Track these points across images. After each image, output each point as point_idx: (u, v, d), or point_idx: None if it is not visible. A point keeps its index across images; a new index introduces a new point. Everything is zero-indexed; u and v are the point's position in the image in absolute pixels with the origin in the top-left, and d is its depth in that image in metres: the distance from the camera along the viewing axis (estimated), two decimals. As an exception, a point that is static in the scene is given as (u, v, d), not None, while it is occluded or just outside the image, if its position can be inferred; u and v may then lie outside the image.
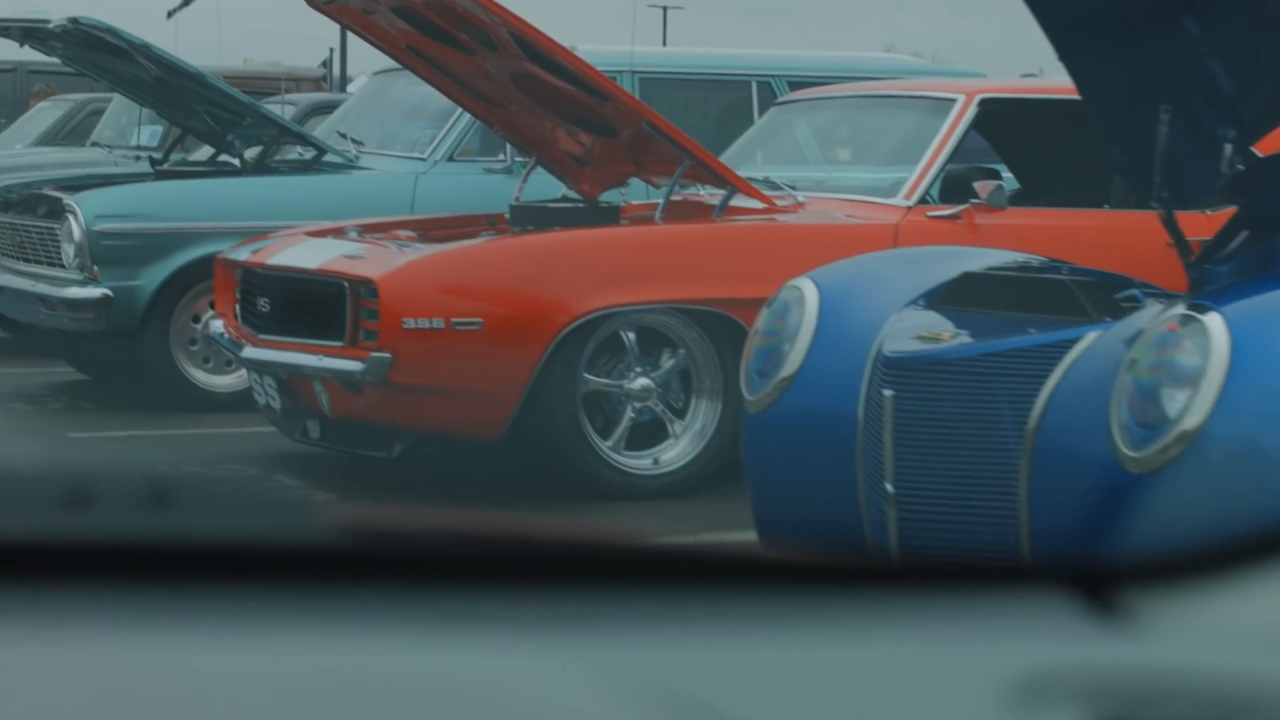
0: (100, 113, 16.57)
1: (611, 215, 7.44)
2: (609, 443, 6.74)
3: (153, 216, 8.89)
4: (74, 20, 9.19)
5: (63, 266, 8.99)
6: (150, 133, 14.39)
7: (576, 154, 7.84)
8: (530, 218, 7.49)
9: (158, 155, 14.00)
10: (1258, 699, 1.08)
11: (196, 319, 9.02)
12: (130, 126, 14.99)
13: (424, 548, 1.12)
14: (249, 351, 7.16)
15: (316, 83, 14.87)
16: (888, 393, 4.26)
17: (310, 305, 6.89)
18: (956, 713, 1.05)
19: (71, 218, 8.81)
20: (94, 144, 14.75)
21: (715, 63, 9.93)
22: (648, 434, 6.85)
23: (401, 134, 9.95)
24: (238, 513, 1.10)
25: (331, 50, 22.83)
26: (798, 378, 4.67)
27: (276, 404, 7.10)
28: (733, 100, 9.92)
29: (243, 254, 7.51)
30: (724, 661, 1.06)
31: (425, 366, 6.47)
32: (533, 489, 6.84)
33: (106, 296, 8.77)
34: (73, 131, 16.56)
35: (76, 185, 9.81)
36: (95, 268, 8.78)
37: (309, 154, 9.86)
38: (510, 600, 1.07)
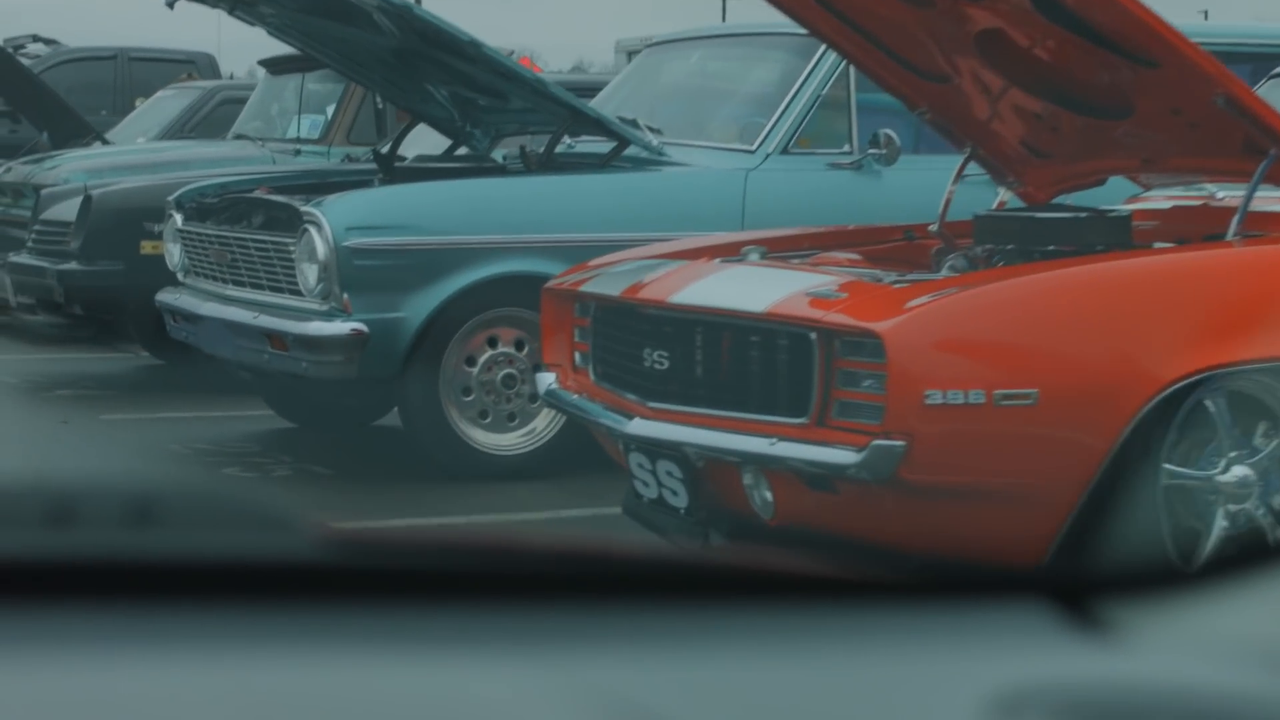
0: (235, 101, 14.58)
1: (1123, 229, 5.31)
2: (1198, 566, 4.60)
3: (419, 228, 6.78)
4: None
5: (297, 293, 6.90)
6: (311, 123, 12.33)
7: (1033, 143, 5.71)
8: (1007, 232, 5.37)
9: (312, 148, 11.95)
10: (1239, 713, 1.06)
11: (471, 361, 6.92)
12: (282, 116, 12.94)
13: (408, 562, 1.10)
14: (639, 426, 5.02)
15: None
16: None
17: (746, 364, 4.77)
18: None
19: (314, 230, 6.70)
20: (238, 136, 12.67)
21: (1242, 34, 7.71)
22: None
23: (707, 118, 7.84)
24: (221, 528, 1.05)
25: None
26: None
27: (681, 500, 4.99)
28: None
29: (605, 283, 5.39)
30: (697, 676, 1.04)
31: (953, 459, 4.35)
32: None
33: (360, 333, 6.68)
34: (202, 122, 14.51)
35: (296, 187, 7.74)
36: (346, 296, 6.68)
37: (574, 145, 7.75)
38: (496, 616, 1.06)
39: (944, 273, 5.12)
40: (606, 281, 5.40)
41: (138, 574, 1.01)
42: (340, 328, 6.69)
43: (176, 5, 7.85)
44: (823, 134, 7.44)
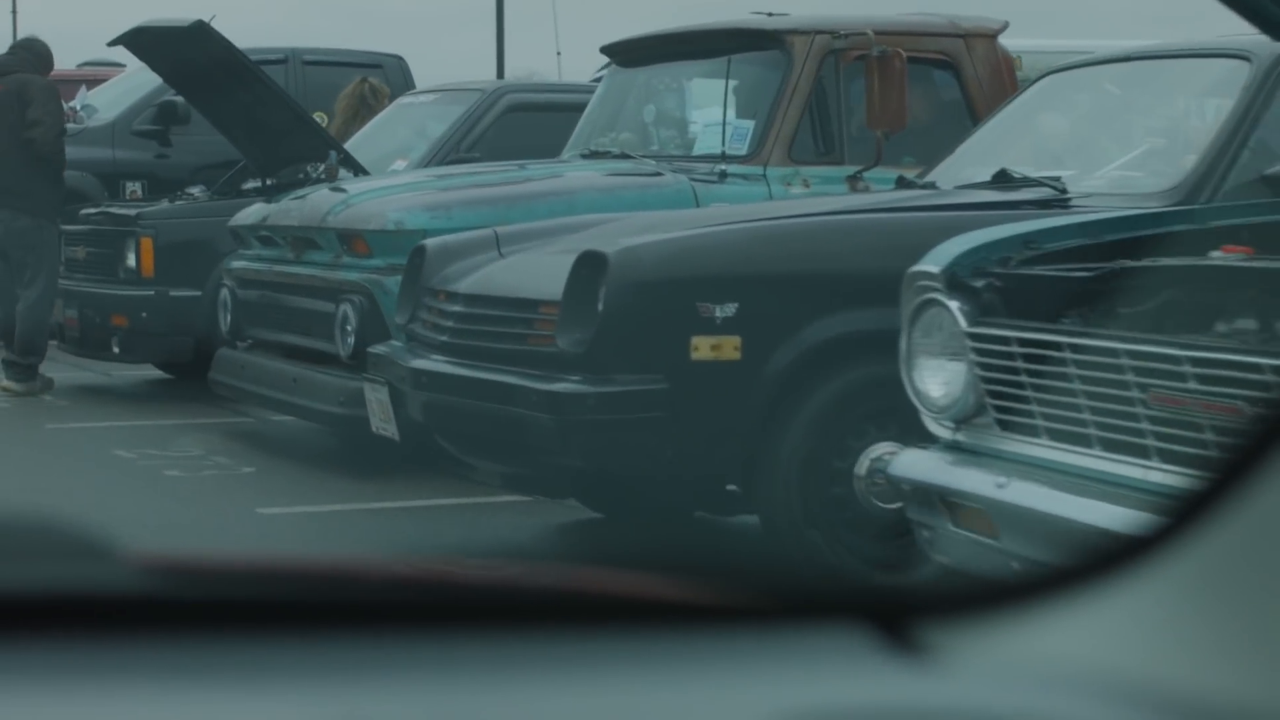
0: (526, 108, 10.58)
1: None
2: None
3: None
4: None
5: None
6: (736, 131, 8.20)
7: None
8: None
9: (740, 169, 7.88)
10: None
11: None
12: (661, 124, 8.88)
13: (229, 591, 1.08)
14: None
15: (992, 39, 8.58)
16: None
17: None
18: None
19: None
20: (590, 154, 8.60)
21: None
22: None
23: None
24: (31, 558, 1.01)
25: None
26: None
27: None
28: None
29: None
30: (510, 708, 1.02)
31: None
32: None
33: None
34: (483, 138, 10.43)
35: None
36: None
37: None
38: (319, 645, 1.03)
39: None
40: None
41: None
42: None
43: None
44: None
